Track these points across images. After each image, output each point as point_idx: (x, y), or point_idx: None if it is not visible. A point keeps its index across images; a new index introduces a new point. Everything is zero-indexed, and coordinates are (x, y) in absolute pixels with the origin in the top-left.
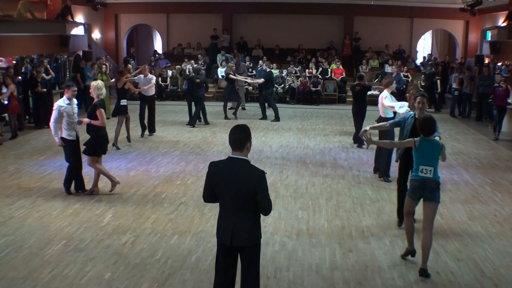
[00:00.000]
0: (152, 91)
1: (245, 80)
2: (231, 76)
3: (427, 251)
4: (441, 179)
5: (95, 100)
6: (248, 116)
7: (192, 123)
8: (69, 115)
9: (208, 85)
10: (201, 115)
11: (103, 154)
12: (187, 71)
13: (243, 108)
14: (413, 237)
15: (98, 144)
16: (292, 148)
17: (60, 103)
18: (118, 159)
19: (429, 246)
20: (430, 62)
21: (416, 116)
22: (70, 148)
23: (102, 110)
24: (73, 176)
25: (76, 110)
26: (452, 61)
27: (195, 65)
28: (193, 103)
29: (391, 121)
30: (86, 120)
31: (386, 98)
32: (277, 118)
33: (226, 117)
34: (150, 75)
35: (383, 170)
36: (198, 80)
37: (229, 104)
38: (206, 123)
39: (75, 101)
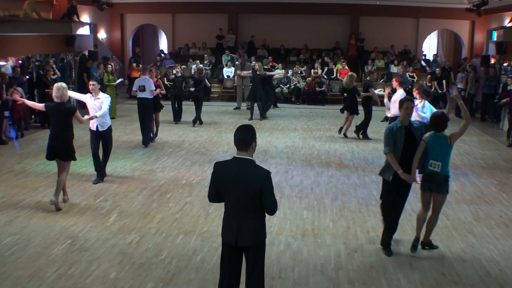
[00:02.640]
0: (146, 94)
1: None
2: (268, 73)
3: (431, 228)
4: (450, 173)
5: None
6: (255, 116)
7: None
8: None
9: (208, 85)
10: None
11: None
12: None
13: (238, 108)
14: (422, 226)
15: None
16: (297, 148)
17: None
18: (123, 159)
19: (434, 225)
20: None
21: (401, 124)
22: None
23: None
24: None
25: None
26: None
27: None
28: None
29: (387, 148)
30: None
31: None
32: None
33: (263, 117)
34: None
35: None
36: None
37: (243, 104)
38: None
39: None
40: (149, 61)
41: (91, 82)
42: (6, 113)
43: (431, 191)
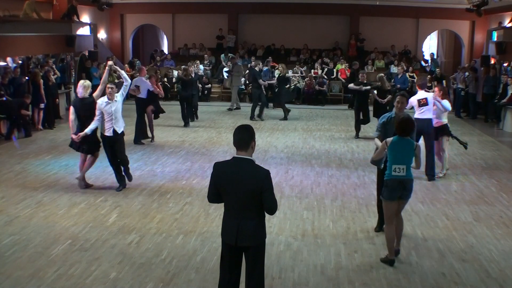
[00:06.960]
0: (141, 94)
1: (269, 82)
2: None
3: (400, 234)
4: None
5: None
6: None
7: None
8: None
9: (206, 85)
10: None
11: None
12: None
13: (238, 108)
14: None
15: None
16: (297, 149)
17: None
18: None
19: (402, 230)
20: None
21: (394, 116)
22: None
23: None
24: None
25: None
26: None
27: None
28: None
29: (377, 133)
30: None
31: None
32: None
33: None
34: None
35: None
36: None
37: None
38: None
39: None
40: (149, 61)
41: (108, 85)
42: (42, 105)
43: (399, 199)
